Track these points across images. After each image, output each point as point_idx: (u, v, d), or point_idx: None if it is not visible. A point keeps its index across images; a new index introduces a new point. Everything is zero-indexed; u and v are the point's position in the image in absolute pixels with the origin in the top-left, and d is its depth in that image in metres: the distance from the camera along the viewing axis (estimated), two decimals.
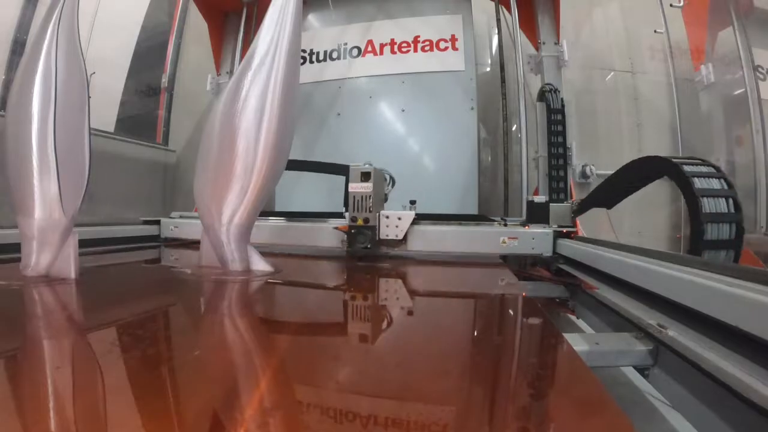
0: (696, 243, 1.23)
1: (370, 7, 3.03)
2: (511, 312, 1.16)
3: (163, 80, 3.72)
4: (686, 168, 1.31)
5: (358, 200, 1.85)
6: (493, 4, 2.90)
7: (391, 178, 2.14)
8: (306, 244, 2.09)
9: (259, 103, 1.38)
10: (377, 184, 1.87)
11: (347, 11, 3.09)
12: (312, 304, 1.24)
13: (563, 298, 2.21)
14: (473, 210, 2.73)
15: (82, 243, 2.06)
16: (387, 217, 1.90)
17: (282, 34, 1.42)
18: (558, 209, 2.08)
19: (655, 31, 3.08)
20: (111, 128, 3.71)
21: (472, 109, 2.78)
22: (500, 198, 2.68)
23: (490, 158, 3.03)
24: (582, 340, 1.24)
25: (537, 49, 2.81)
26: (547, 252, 1.91)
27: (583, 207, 2.07)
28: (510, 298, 1.30)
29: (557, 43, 2.72)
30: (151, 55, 3.72)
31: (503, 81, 2.71)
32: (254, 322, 1.00)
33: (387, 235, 1.89)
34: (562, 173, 2.49)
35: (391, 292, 1.40)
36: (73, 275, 1.28)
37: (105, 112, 3.58)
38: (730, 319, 0.69)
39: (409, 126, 2.85)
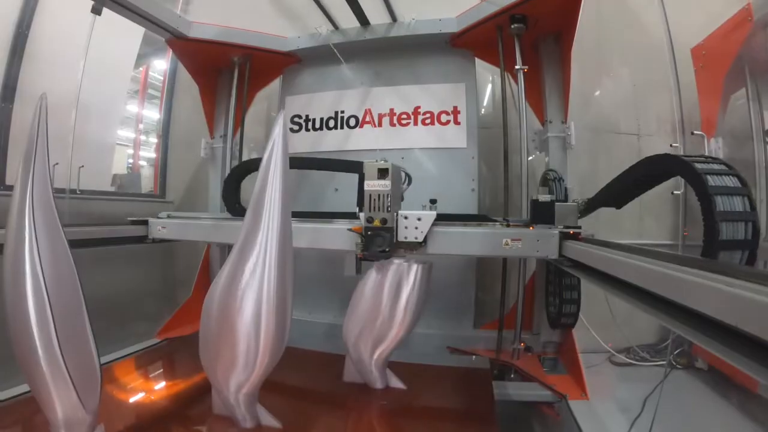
0: (710, 243, 1.20)
1: (369, 72, 2.89)
2: None
3: (157, 127, 3.63)
4: (698, 166, 1.27)
5: (374, 199, 1.72)
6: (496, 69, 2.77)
7: (407, 175, 2.01)
8: (315, 246, 2.00)
9: (256, 308, 1.40)
10: (395, 182, 1.74)
11: (344, 74, 2.94)
12: None
13: (550, 401, 2.32)
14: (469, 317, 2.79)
15: (72, 244, 2.16)
16: (406, 217, 1.75)
17: (272, 231, 1.39)
18: (564, 209, 1.98)
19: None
20: (108, 177, 3.69)
21: (473, 190, 2.72)
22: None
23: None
24: None
25: (543, 125, 2.72)
26: (552, 255, 1.80)
27: (590, 207, 1.97)
28: None
29: (564, 122, 2.62)
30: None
31: (506, 165, 2.64)
32: None
33: (406, 237, 1.76)
34: None
35: None
36: None
37: (100, 165, 3.52)
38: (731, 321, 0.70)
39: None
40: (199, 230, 2.39)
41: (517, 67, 2.51)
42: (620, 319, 3.04)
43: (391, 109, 2.82)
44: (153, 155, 4.13)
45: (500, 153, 2.69)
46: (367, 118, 2.86)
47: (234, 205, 2.56)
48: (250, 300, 1.40)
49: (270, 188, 1.40)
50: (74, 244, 1.53)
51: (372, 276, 1.88)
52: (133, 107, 5.14)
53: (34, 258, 1.36)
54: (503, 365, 2.53)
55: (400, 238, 1.75)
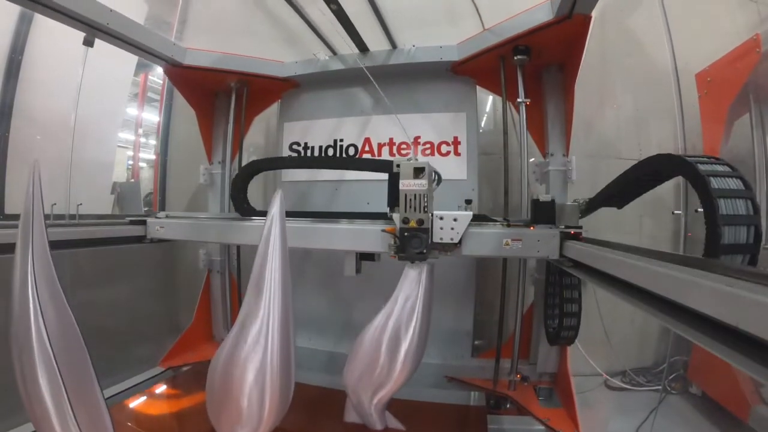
0: (712, 246, 1.20)
1: (368, 99, 2.84)
2: None
3: (156, 145, 3.60)
4: (702, 167, 1.25)
5: (410, 199, 1.69)
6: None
7: (437, 174, 1.95)
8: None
9: (259, 377, 1.43)
10: (430, 182, 1.71)
11: (343, 102, 2.90)
12: None
13: None
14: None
15: (71, 244, 2.14)
16: (441, 218, 1.73)
17: (273, 309, 1.41)
18: (565, 209, 1.94)
19: None
20: (107, 191, 3.69)
21: None
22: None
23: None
24: None
25: (544, 156, 2.69)
26: (553, 255, 1.76)
27: (591, 206, 1.93)
28: None
29: (566, 155, 2.59)
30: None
31: (506, 198, 2.63)
32: None
33: (441, 238, 1.73)
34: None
35: None
36: None
37: (99, 183, 3.51)
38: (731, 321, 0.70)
39: None
40: (198, 230, 2.33)
41: (519, 100, 2.47)
42: (615, 342, 3.09)
43: (391, 139, 2.79)
44: (152, 157, 4.11)
45: (500, 181, 2.68)
46: (366, 148, 2.83)
47: (242, 205, 2.49)
48: (252, 371, 1.43)
49: (270, 265, 1.41)
50: (72, 244, 1.55)
51: (372, 326, 1.90)
52: (132, 110, 5.08)
53: (39, 323, 1.39)
54: (500, 396, 2.58)
55: (435, 239, 1.72)
